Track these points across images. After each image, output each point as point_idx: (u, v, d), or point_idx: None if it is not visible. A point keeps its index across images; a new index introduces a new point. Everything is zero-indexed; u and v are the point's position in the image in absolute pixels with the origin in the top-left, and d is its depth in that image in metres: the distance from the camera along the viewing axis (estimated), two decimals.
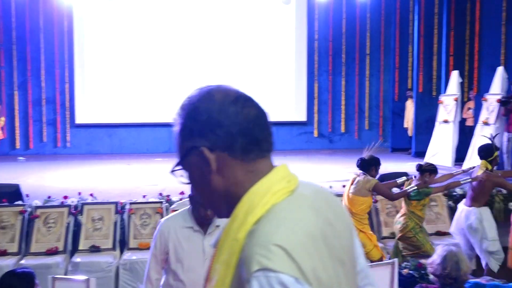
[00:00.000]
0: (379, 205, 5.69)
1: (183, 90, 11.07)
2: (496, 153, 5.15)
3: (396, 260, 2.56)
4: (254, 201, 0.98)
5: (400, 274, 4.38)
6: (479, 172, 4.99)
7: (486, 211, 5.01)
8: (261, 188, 1.00)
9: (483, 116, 8.11)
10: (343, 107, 11.76)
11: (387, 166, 8.39)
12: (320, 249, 0.96)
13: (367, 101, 11.88)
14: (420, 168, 4.83)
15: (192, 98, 1.05)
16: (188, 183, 1.08)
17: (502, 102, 7.64)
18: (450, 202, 5.86)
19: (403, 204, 4.85)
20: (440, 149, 8.59)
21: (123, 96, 11.01)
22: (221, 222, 2.45)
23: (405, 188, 4.81)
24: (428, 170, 4.79)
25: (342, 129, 11.78)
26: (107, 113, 11.06)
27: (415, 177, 4.87)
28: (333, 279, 0.96)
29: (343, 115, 11.77)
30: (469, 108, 9.33)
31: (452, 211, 5.79)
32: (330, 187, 6.07)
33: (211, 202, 1.07)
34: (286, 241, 0.92)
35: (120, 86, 11.02)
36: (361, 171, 4.78)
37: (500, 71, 8.15)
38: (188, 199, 2.75)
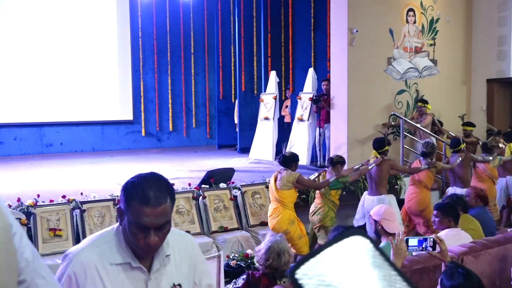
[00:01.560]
0: (207, 201, 5.85)
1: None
2: (387, 147, 5.95)
3: (221, 252, 2.69)
4: None
5: (228, 265, 4.60)
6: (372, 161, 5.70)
7: (391, 198, 5.68)
8: None
9: (298, 113, 8.86)
10: (170, 106, 11.78)
11: (215, 162, 8.70)
12: None
13: (194, 99, 12.10)
14: (332, 161, 5.45)
15: None
16: None
17: (313, 100, 8.47)
18: None
19: (318, 195, 5.39)
20: (262, 144, 9.17)
21: None
22: (171, 250, 1.69)
23: (321, 180, 5.42)
24: (339, 162, 5.43)
25: (170, 127, 11.81)
26: None
27: (326, 170, 5.49)
28: None
29: (170, 114, 11.79)
30: (286, 106, 10.13)
31: None
32: None
33: None
34: None
35: None
36: (282, 167, 5.27)
37: (311, 72, 9.01)
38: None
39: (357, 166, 6.09)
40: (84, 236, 4.80)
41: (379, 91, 8.14)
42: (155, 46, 11.56)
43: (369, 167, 5.68)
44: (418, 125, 7.77)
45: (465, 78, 9.26)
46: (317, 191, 5.48)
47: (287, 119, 9.96)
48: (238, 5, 10.76)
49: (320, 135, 8.43)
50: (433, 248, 2.84)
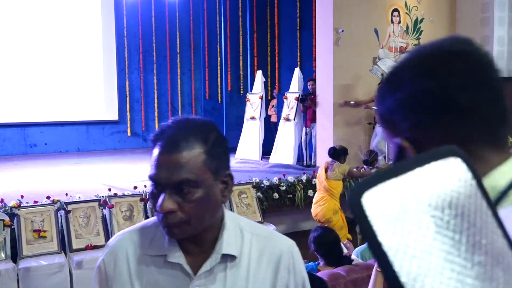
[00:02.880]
0: None
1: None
2: None
3: None
4: None
5: None
6: None
7: None
8: None
9: (284, 112, 8.88)
10: (156, 105, 11.72)
11: None
12: None
13: (180, 99, 12.05)
14: (367, 162, 5.86)
15: None
16: None
17: (300, 99, 8.48)
18: (259, 193, 6.30)
19: None
20: (248, 144, 9.17)
21: None
22: (243, 251, 1.15)
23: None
24: (375, 160, 5.91)
25: (156, 127, 11.70)
26: None
27: (366, 168, 5.84)
28: None
29: (156, 113, 11.73)
30: (273, 106, 10.14)
31: (260, 201, 6.24)
32: (145, 186, 6.01)
33: None
34: None
35: None
36: (331, 159, 5.57)
37: (297, 71, 9.03)
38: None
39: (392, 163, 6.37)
40: (69, 237, 4.76)
41: (364, 91, 8.18)
42: (140, 46, 11.49)
43: None
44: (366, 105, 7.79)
45: None
46: None
47: (273, 119, 9.97)
48: (224, 5, 10.74)
49: (306, 134, 8.46)
50: None
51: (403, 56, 0.79)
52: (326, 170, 5.57)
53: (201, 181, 1.05)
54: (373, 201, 0.41)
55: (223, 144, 1.11)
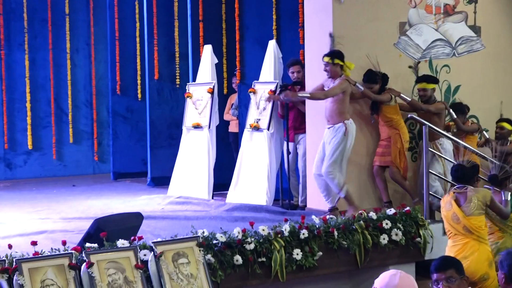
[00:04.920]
0: (96, 272, 5.72)
1: None
2: None
3: None
4: None
5: None
6: None
7: None
8: None
9: (251, 117, 8.89)
10: (28, 106, 11.89)
11: (109, 203, 8.56)
12: None
13: (70, 94, 12.19)
14: (496, 179, 6.70)
15: None
16: None
17: (280, 92, 8.45)
18: (209, 256, 6.22)
19: (496, 228, 6.48)
20: (190, 171, 9.11)
21: None
22: None
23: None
24: (506, 178, 6.70)
25: (29, 144, 11.79)
26: None
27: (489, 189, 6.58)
28: None
29: (29, 120, 11.99)
30: (232, 105, 10.17)
31: (212, 269, 6.17)
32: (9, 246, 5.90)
33: None
34: None
35: None
36: (458, 185, 6.19)
37: (272, 45, 9.03)
38: None
39: None
40: None
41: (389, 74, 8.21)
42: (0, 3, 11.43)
43: None
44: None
45: None
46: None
47: (233, 128, 9.92)
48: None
49: (289, 153, 8.37)
50: None
51: None
52: (457, 204, 6.04)
53: None
54: None
55: None
